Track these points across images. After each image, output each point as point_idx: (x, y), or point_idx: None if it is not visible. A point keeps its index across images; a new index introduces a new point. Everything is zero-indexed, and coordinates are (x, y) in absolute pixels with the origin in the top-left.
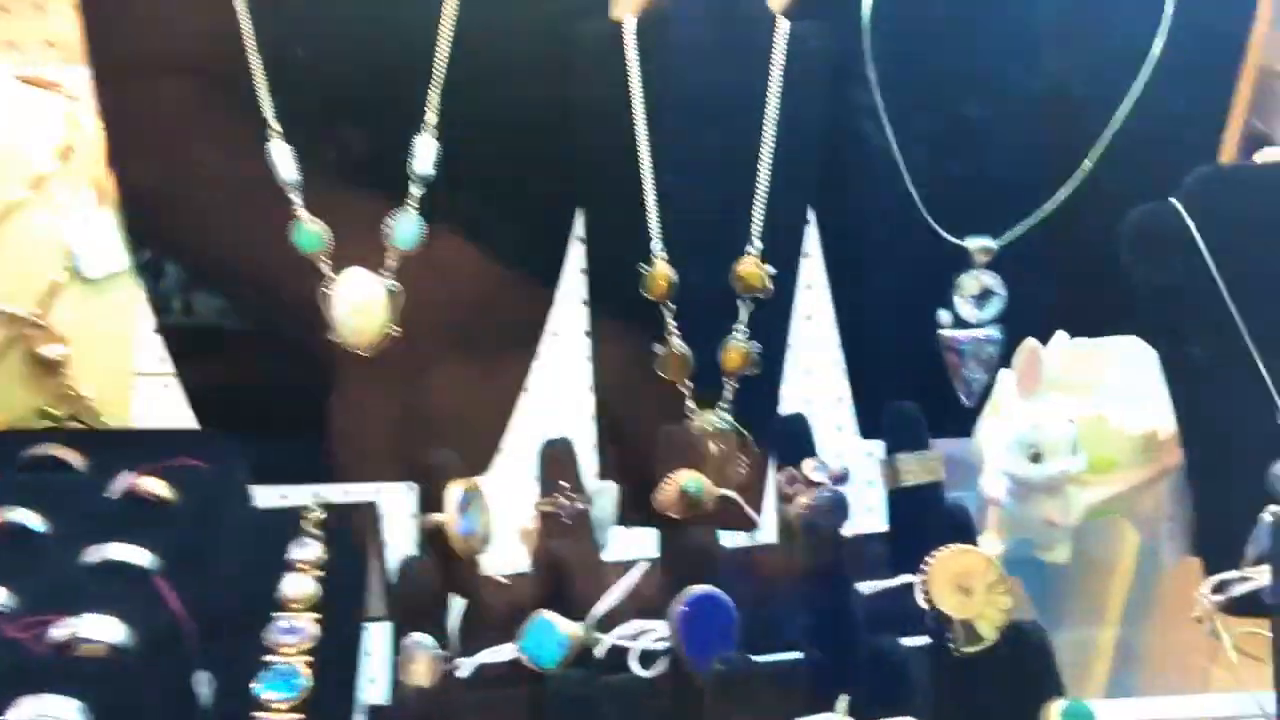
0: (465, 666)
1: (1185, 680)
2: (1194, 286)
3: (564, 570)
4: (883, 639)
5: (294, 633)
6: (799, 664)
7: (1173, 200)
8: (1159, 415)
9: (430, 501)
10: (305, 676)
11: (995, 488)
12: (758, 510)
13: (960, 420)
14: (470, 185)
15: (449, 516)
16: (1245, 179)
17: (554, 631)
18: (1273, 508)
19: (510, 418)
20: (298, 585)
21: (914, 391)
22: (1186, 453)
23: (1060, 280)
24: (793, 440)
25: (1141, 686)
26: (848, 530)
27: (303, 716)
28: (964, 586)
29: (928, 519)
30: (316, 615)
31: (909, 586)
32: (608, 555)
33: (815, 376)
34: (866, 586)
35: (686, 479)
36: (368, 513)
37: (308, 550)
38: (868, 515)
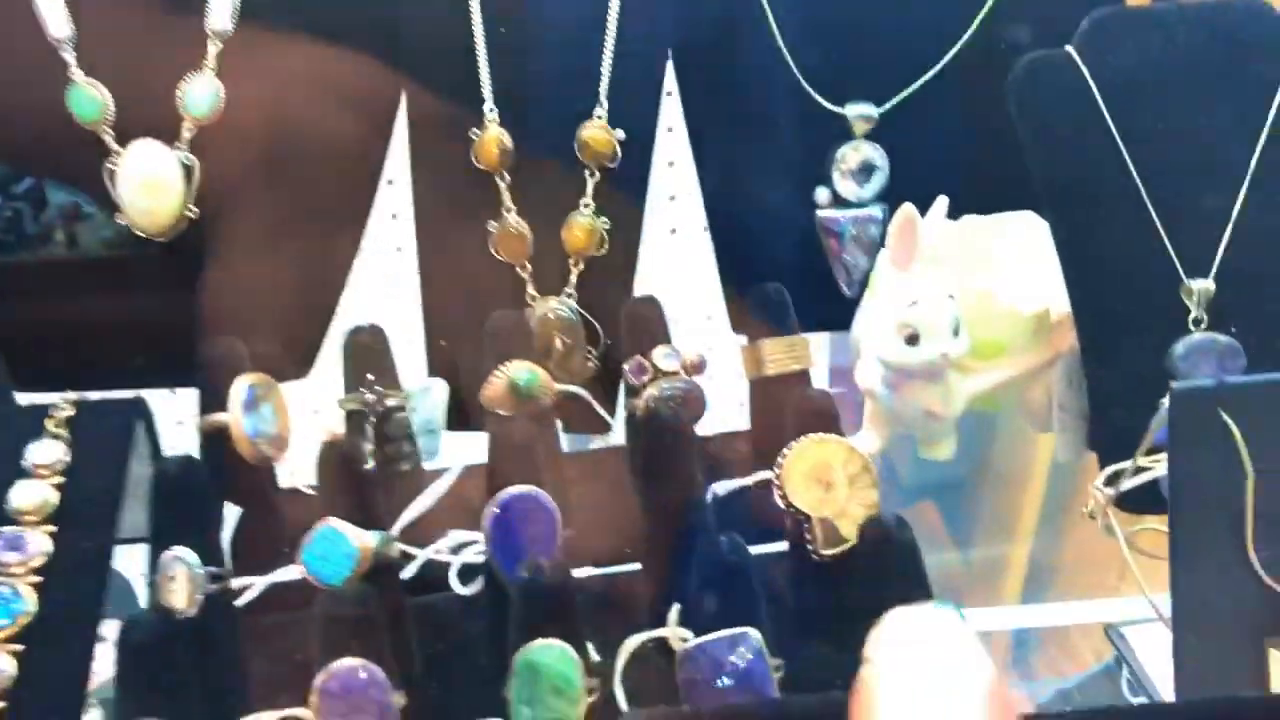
0: (244, 589)
1: (1095, 595)
2: (1088, 143)
3: (366, 477)
4: (721, 541)
5: (19, 549)
6: (635, 575)
7: (1067, 48)
8: (1053, 294)
9: (214, 400)
10: (28, 600)
11: (869, 377)
12: (610, 410)
13: (842, 312)
14: (274, 45)
15: (232, 416)
16: (1148, 21)
17: (341, 542)
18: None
19: (334, 310)
20: (30, 493)
21: (790, 279)
22: (1080, 333)
23: (950, 153)
24: (643, 325)
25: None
26: (708, 427)
27: (22, 648)
28: (823, 480)
29: (791, 411)
30: (52, 529)
31: (768, 485)
32: (436, 462)
33: (679, 263)
34: (721, 487)
35: (517, 371)
36: (131, 410)
37: (47, 452)
38: (740, 411)
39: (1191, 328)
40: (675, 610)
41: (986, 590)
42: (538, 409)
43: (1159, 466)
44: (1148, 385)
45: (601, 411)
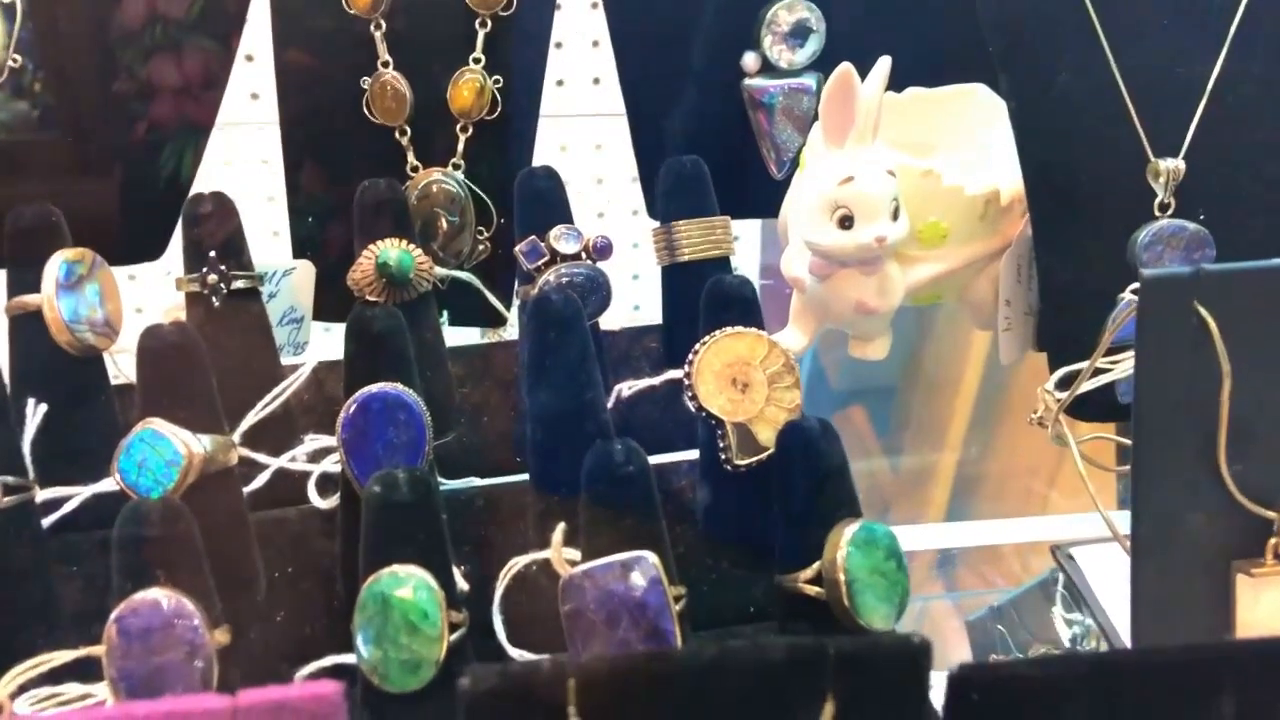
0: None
1: (1025, 505)
2: (1052, 6)
3: (199, 370)
4: (615, 449)
5: None
6: (523, 488)
7: None
8: (1003, 176)
9: (25, 279)
10: None
11: (796, 265)
12: (505, 299)
13: (770, 196)
14: None
15: (46, 297)
16: None
17: (163, 447)
18: (1136, 285)
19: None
20: None
21: (712, 157)
22: (1033, 219)
23: (894, 15)
24: (540, 202)
25: (980, 513)
26: (614, 321)
27: None
28: (739, 380)
29: (706, 301)
30: None
31: (677, 384)
32: (302, 356)
33: (585, 133)
34: (625, 388)
35: (386, 251)
36: None
37: None
38: (651, 302)
39: (1157, 213)
40: (560, 529)
41: (913, 502)
42: (414, 295)
43: (1118, 369)
44: (1107, 278)
45: (494, 300)
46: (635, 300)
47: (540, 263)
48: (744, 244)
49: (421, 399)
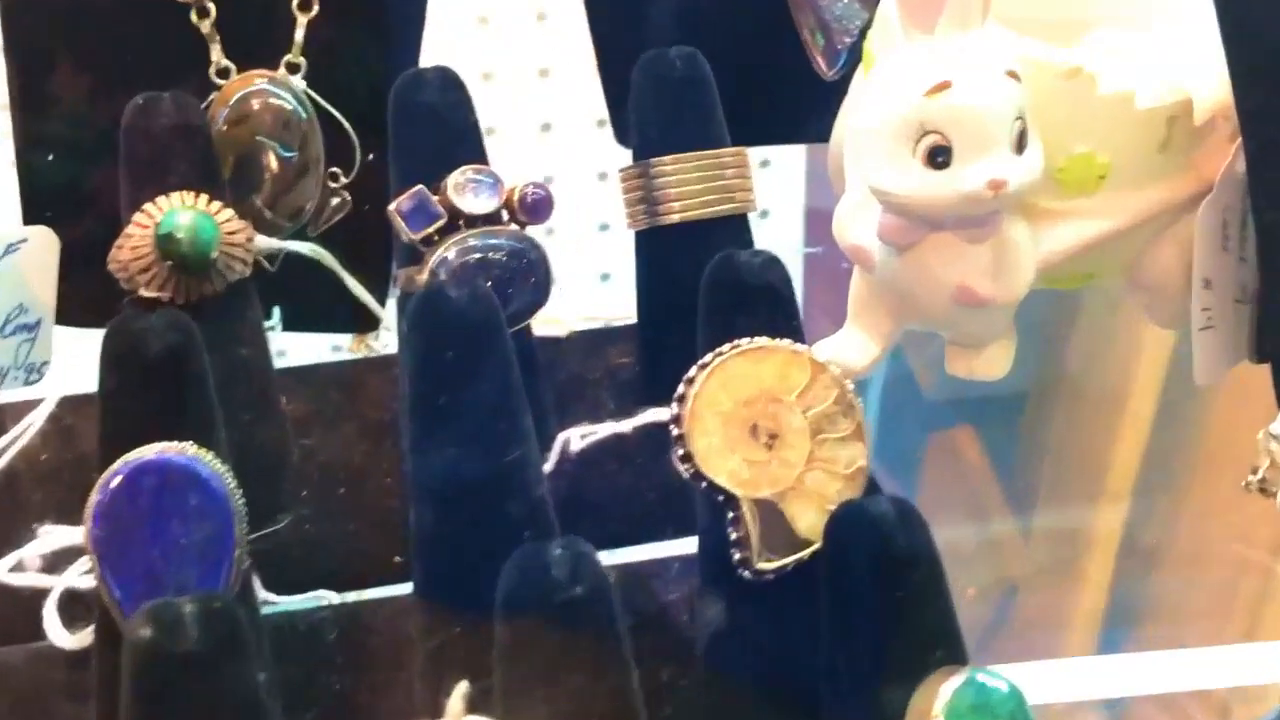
0: None
1: (1226, 626)
2: None
3: None
4: (550, 552)
5: None
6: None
7: None
8: (1197, 77)
9: None
10: None
11: (859, 226)
12: (378, 290)
13: (818, 107)
14: None
15: None
16: None
17: None
18: None
19: None
20: None
21: (723, 50)
22: (1249, 147)
23: None
24: (432, 128)
25: (1163, 609)
26: (555, 319)
27: None
28: (761, 428)
29: (709, 291)
30: None
31: (662, 431)
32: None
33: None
34: (577, 436)
35: (173, 213)
36: None
37: None
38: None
39: None
40: (460, 694)
41: (1053, 590)
42: (221, 285)
43: None
44: None
45: (357, 289)
46: (596, 282)
47: (432, 229)
48: (774, 187)
49: (229, 465)
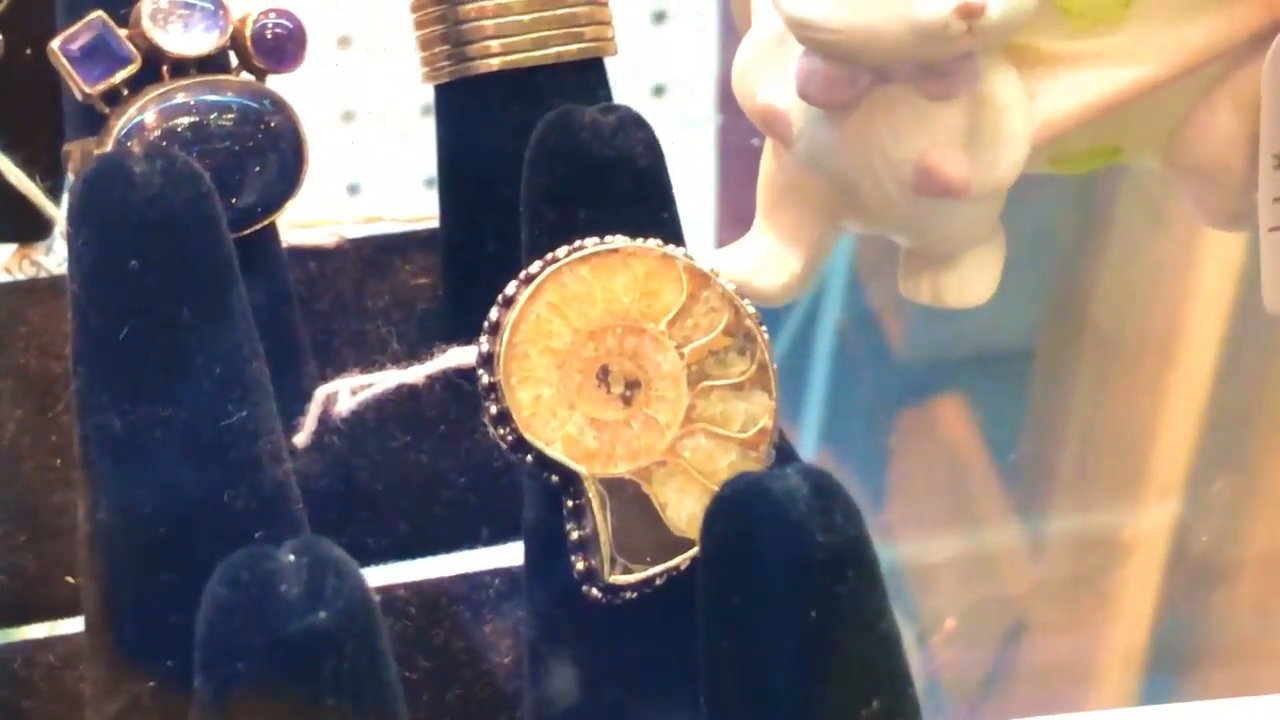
0: None
1: None
2: None
3: None
4: (267, 557)
5: None
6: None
7: None
8: None
9: None
10: None
11: (770, 79)
12: (50, 179)
13: None
14: None
15: None
16: None
17: None
18: None
19: None
20: None
21: None
22: None
23: None
24: None
25: (1212, 682)
26: (325, 225)
27: None
28: (614, 371)
29: (544, 159)
30: None
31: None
32: None
33: None
34: (349, 390)
35: None
36: None
37: None
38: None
39: None
40: None
41: (1075, 631)
42: None
43: None
44: None
45: (12, 174)
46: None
47: (118, 79)
48: (673, 50)
49: None
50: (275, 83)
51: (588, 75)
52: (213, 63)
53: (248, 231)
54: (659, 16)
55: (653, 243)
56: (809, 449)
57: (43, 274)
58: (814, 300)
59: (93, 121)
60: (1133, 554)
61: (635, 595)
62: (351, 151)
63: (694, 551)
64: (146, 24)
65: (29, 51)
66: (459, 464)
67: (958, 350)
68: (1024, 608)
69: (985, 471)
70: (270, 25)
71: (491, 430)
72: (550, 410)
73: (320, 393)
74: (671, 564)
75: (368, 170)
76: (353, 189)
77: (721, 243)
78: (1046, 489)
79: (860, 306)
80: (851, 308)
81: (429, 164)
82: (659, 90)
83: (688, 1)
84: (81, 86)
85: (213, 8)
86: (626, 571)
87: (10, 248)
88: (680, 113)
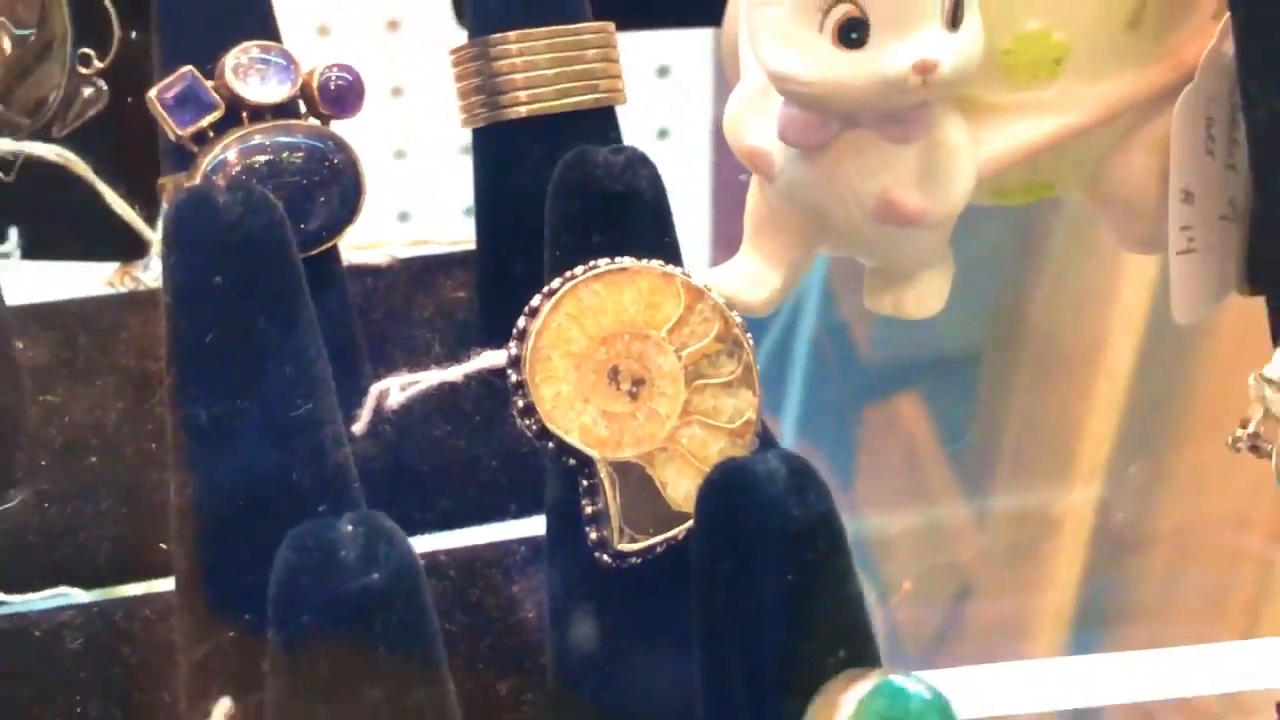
0: None
1: (1217, 626)
2: None
3: None
4: (330, 528)
5: None
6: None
7: None
8: None
9: None
10: None
11: (755, 124)
12: (145, 206)
13: None
14: None
15: None
16: None
17: None
18: None
19: None
20: None
21: None
22: (1237, 24)
23: None
24: None
25: (1130, 637)
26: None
27: None
28: (623, 371)
29: (561, 195)
30: None
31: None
32: None
33: None
34: (398, 387)
35: None
36: None
37: None
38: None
39: None
40: (222, 710)
41: (1011, 586)
42: None
43: None
44: None
45: (117, 204)
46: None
47: (204, 123)
48: (675, 100)
49: None
50: (338, 126)
51: (602, 121)
52: (285, 109)
53: (314, 252)
54: (663, 70)
55: (655, 263)
56: (788, 439)
57: (141, 288)
58: (793, 311)
59: (183, 159)
60: (1062, 527)
61: (640, 561)
62: (402, 184)
63: (690, 524)
64: (229, 76)
65: (130, 100)
66: (491, 449)
67: (915, 354)
68: (970, 573)
69: (938, 457)
70: (334, 78)
71: (519, 421)
72: (569, 404)
73: (374, 389)
74: (671, 534)
75: (416, 200)
76: (403, 216)
77: (714, 263)
78: (990, 472)
79: (832, 317)
80: (825, 318)
81: (467, 195)
82: (662, 133)
83: (687, 58)
84: (174, 129)
85: (285, 63)
86: (633, 541)
87: (113, 265)
88: (680, 153)
